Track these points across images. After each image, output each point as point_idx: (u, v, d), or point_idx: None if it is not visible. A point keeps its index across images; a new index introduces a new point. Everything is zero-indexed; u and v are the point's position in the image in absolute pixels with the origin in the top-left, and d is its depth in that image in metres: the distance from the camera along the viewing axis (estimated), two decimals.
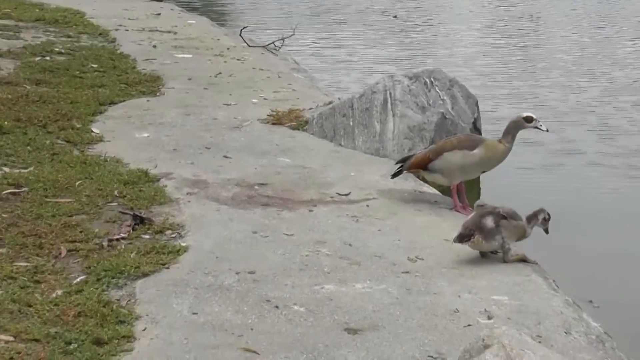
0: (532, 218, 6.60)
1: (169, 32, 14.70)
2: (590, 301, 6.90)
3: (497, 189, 9.15)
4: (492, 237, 6.34)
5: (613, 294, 7.22)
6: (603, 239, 8.39)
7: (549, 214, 6.66)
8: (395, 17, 20.85)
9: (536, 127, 7.50)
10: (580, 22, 20.22)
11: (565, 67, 15.30)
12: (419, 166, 7.71)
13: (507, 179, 9.50)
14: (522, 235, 6.52)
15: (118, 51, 12.83)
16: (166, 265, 6.03)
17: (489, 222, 6.35)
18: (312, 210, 7.24)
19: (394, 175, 7.88)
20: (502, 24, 19.79)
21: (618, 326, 6.26)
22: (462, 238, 6.34)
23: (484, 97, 12.32)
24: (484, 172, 7.86)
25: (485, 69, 15.07)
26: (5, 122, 8.73)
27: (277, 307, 5.55)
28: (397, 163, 7.93)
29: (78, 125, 9.05)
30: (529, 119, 7.46)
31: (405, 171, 7.82)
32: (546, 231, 6.69)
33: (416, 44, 17.79)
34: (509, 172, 9.49)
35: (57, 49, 12.43)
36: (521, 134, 7.76)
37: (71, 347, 4.96)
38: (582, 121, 11.99)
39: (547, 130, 7.67)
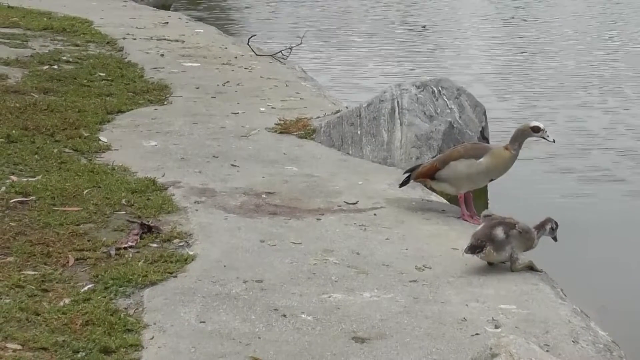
0: (539, 228, 6.58)
1: (177, 40, 14.73)
2: (603, 306, 6.91)
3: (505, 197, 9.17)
4: (502, 248, 6.32)
5: (621, 303, 7.21)
6: (611, 248, 8.38)
7: (556, 223, 6.64)
8: (424, 27, 20.81)
9: (543, 138, 7.50)
10: (607, 36, 19.90)
11: (598, 85, 14.92)
12: (427, 175, 7.71)
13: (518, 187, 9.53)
14: (530, 246, 6.50)
15: (126, 60, 12.86)
16: (174, 274, 6.04)
17: (500, 232, 6.32)
18: (319, 219, 7.24)
19: (402, 185, 7.89)
20: (535, 39, 19.57)
21: (627, 335, 6.26)
22: (474, 249, 6.31)
23: (515, 119, 11.94)
24: (491, 180, 7.85)
25: (515, 88, 14.79)
26: (13, 131, 8.75)
27: (284, 315, 5.55)
28: (405, 172, 7.94)
29: (86, 134, 9.07)
30: (536, 129, 7.45)
31: (412, 180, 7.82)
32: (554, 239, 6.68)
33: (436, 54, 17.75)
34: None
35: (64, 58, 12.46)
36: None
37: (79, 355, 4.96)
38: (612, 145, 11.65)
39: (554, 141, 7.65)
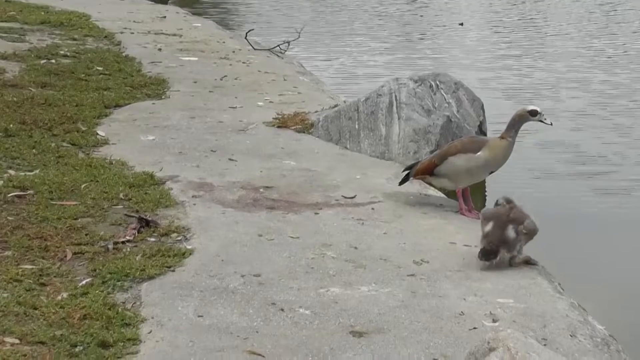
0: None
1: (175, 35, 14.71)
2: None
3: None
4: (514, 248, 6.30)
5: (619, 297, 7.22)
6: (609, 242, 8.39)
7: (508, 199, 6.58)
8: (461, 24, 20.75)
9: (540, 121, 7.47)
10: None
11: (596, 84, 14.67)
12: (425, 172, 7.69)
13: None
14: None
15: (123, 54, 12.84)
16: (172, 268, 6.03)
17: (511, 232, 6.29)
18: (317, 213, 7.23)
19: (401, 183, 7.85)
20: (539, 40, 19.40)
21: (624, 329, 6.26)
22: (489, 256, 6.26)
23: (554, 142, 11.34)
24: (491, 172, 7.81)
25: (515, 86, 14.66)
26: (11, 125, 8.74)
27: (282, 310, 5.55)
28: (403, 170, 7.91)
29: (83, 128, 9.06)
30: (533, 113, 7.41)
31: (412, 178, 7.79)
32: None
33: (438, 52, 17.70)
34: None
35: (62, 52, 12.44)
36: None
37: (77, 349, 4.96)
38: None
39: (552, 124, 7.63)
